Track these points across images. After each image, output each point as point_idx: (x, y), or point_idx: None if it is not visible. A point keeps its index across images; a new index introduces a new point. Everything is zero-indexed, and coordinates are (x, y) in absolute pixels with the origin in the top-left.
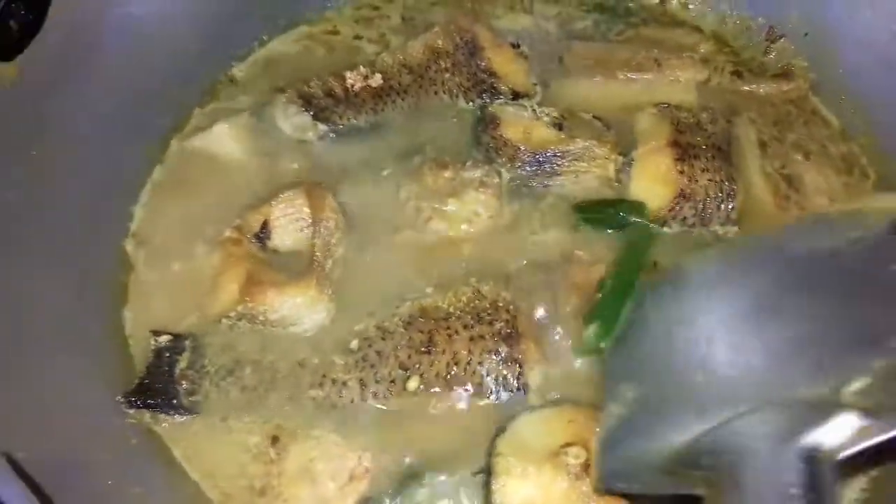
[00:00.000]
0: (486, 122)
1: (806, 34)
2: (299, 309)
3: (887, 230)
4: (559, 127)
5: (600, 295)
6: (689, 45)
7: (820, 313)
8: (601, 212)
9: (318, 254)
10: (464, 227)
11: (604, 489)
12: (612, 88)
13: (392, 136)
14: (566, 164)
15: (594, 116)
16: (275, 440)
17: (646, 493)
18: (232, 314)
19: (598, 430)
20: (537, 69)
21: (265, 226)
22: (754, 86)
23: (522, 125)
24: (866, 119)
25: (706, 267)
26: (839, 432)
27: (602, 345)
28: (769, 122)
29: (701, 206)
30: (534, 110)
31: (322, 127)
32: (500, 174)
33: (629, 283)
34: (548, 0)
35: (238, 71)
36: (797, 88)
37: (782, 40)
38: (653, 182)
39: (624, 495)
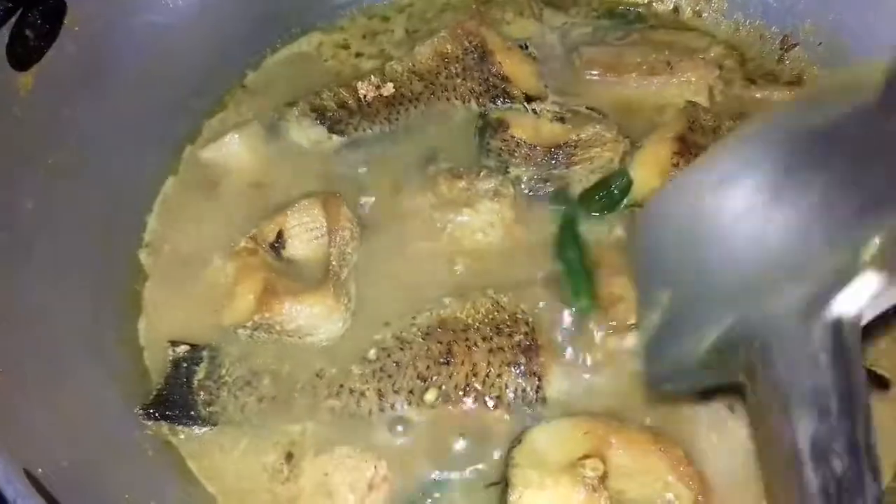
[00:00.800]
0: (493, 128)
1: (820, 44)
2: (316, 318)
3: (877, 96)
4: (562, 120)
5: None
6: (700, 48)
7: (829, 182)
8: (598, 193)
9: (333, 263)
10: (479, 236)
11: (655, 391)
12: (623, 91)
13: (405, 145)
14: (580, 151)
15: (588, 107)
16: (289, 457)
17: (691, 389)
18: (249, 324)
19: (639, 336)
20: (548, 74)
21: (280, 235)
22: (767, 92)
23: (530, 124)
24: None
25: (714, 165)
26: (861, 296)
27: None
28: None
29: None
30: (534, 111)
31: (338, 139)
32: (513, 184)
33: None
34: (558, 8)
35: (250, 80)
36: None
37: (796, 49)
38: (648, 170)
39: None
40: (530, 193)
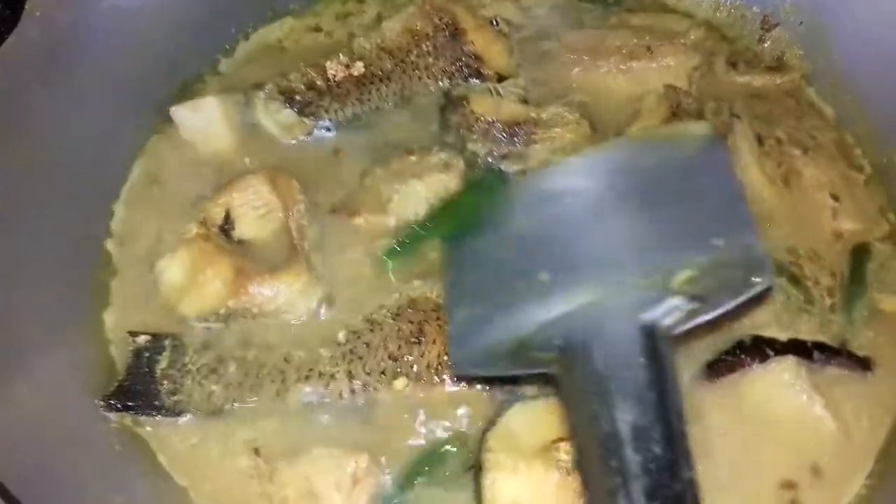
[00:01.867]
0: (454, 104)
1: (801, 23)
2: (294, 296)
3: (700, 150)
4: (525, 101)
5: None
6: (680, 31)
7: (646, 217)
8: None
9: (296, 236)
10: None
11: (458, 375)
12: (602, 76)
13: (374, 129)
14: (540, 131)
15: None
16: (257, 452)
17: (500, 375)
18: (221, 311)
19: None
20: (522, 57)
21: (228, 216)
22: (748, 77)
23: (490, 101)
24: (861, 109)
25: (548, 179)
26: (674, 313)
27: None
28: (765, 114)
29: None
30: (498, 92)
31: (309, 122)
32: (466, 159)
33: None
34: None
35: (222, 66)
36: (791, 81)
37: (777, 29)
38: None
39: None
40: (488, 168)
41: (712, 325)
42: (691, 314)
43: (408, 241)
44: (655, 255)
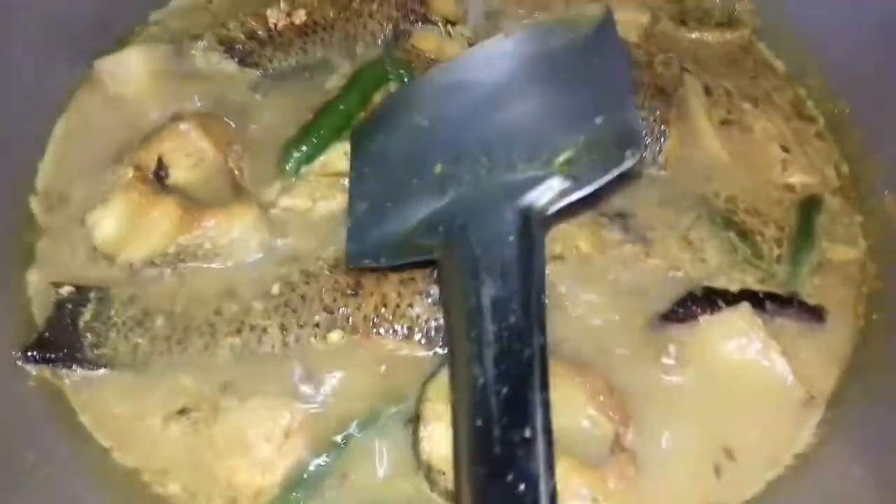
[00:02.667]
0: (397, 38)
1: None
2: (249, 229)
3: (592, 31)
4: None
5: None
6: None
7: (539, 102)
8: None
9: (237, 174)
10: None
11: (352, 267)
12: None
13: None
14: None
15: None
16: (183, 412)
17: (390, 264)
18: (171, 250)
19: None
20: (472, 7)
21: (161, 162)
22: (698, 34)
23: (434, 39)
24: (812, 61)
25: (446, 72)
26: (548, 193)
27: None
28: (715, 69)
29: None
30: (448, 34)
31: (253, 73)
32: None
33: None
34: None
35: (152, 19)
36: (741, 36)
37: None
38: None
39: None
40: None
41: (581, 203)
42: (563, 193)
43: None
44: (543, 136)
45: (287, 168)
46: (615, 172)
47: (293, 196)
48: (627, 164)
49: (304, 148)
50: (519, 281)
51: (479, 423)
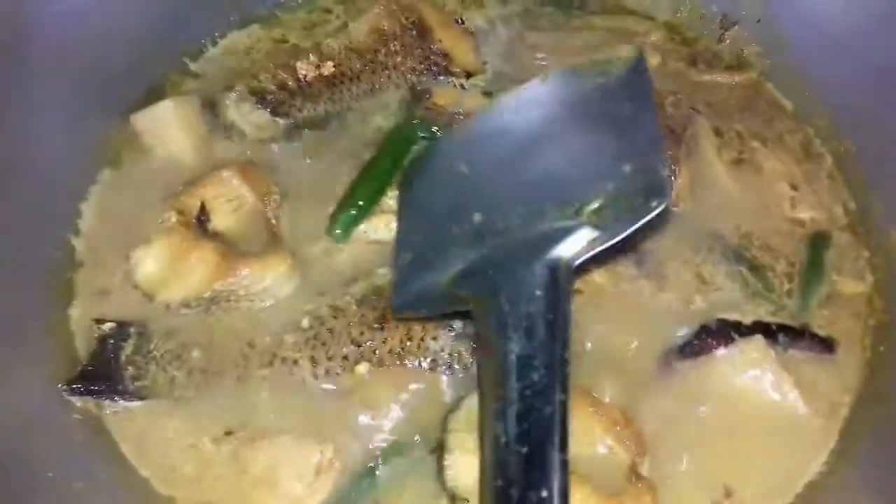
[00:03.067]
0: (418, 97)
1: (759, 21)
2: (280, 278)
3: (625, 73)
4: (488, 95)
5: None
6: (640, 32)
7: (572, 148)
8: None
9: (274, 223)
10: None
11: (398, 317)
12: None
13: (340, 123)
14: None
15: None
16: (219, 439)
17: (431, 314)
18: (206, 294)
19: (392, 272)
20: (490, 58)
21: (203, 208)
22: (707, 76)
23: (454, 94)
24: (819, 102)
25: (482, 120)
26: (576, 244)
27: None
28: (725, 109)
29: None
30: (462, 86)
31: (283, 122)
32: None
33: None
34: None
35: (192, 69)
36: (749, 78)
37: (735, 28)
38: None
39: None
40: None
41: (608, 253)
42: (592, 243)
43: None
44: (575, 184)
45: (335, 234)
46: (642, 222)
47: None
48: (654, 213)
49: (350, 212)
50: (543, 337)
51: (499, 483)
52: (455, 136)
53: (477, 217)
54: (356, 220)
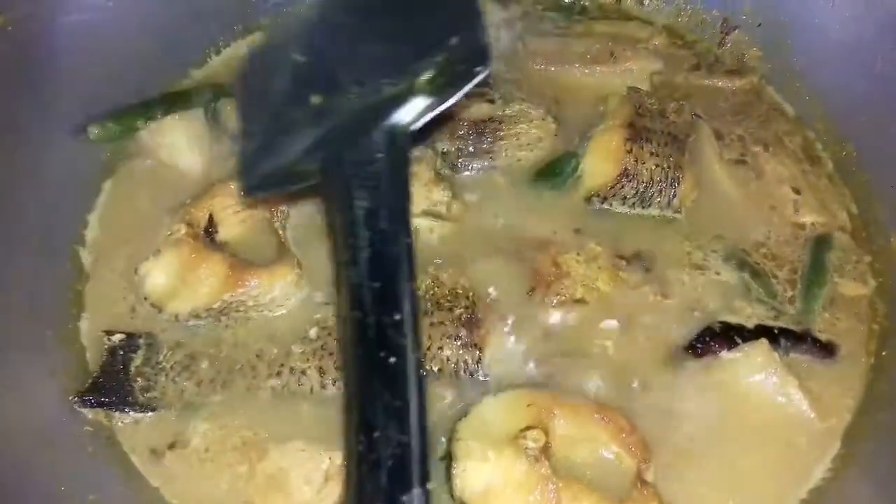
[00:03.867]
0: None
1: (759, 25)
2: (289, 288)
3: None
4: (491, 102)
5: None
6: (642, 38)
7: (400, 28)
8: (551, 167)
9: (281, 233)
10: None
11: (249, 199)
12: (567, 81)
13: None
14: (506, 127)
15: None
16: (230, 446)
17: (282, 192)
18: (216, 305)
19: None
20: (494, 66)
21: (211, 220)
22: (708, 81)
23: (458, 102)
24: (820, 106)
25: (313, 8)
26: (411, 111)
27: None
28: (727, 114)
29: (643, 187)
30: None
31: None
32: (435, 151)
33: None
34: (504, 1)
35: (193, 77)
36: (750, 83)
37: (736, 32)
38: (602, 158)
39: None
40: (458, 166)
41: (439, 119)
42: (426, 110)
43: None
44: (406, 60)
45: None
46: (469, 87)
47: None
48: (479, 77)
49: None
50: (387, 191)
51: (357, 313)
52: (286, 25)
53: (315, 99)
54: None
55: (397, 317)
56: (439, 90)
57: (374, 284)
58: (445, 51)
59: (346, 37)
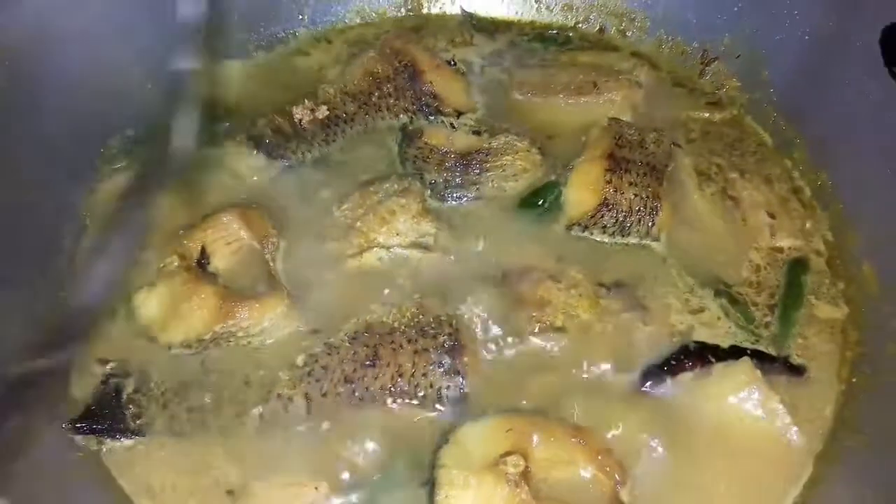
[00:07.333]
0: (410, 138)
1: (738, 56)
2: (278, 319)
3: None
4: (477, 133)
5: None
6: (625, 68)
7: None
8: (534, 197)
9: (272, 265)
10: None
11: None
12: (551, 111)
13: (337, 168)
14: (492, 158)
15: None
16: (217, 476)
17: None
18: (206, 336)
19: None
20: (479, 96)
21: (203, 251)
22: (689, 112)
23: (444, 134)
24: (797, 134)
25: None
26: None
27: None
28: (705, 143)
29: (622, 216)
30: (452, 125)
31: (279, 164)
32: (424, 183)
33: None
34: (489, 33)
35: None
36: (729, 114)
37: (716, 63)
38: (582, 188)
39: None
40: (445, 196)
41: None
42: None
43: None
44: None
45: None
46: None
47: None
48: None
49: None
50: None
51: None
52: None
53: None
54: None
55: None
56: None
57: None
58: None
59: None
